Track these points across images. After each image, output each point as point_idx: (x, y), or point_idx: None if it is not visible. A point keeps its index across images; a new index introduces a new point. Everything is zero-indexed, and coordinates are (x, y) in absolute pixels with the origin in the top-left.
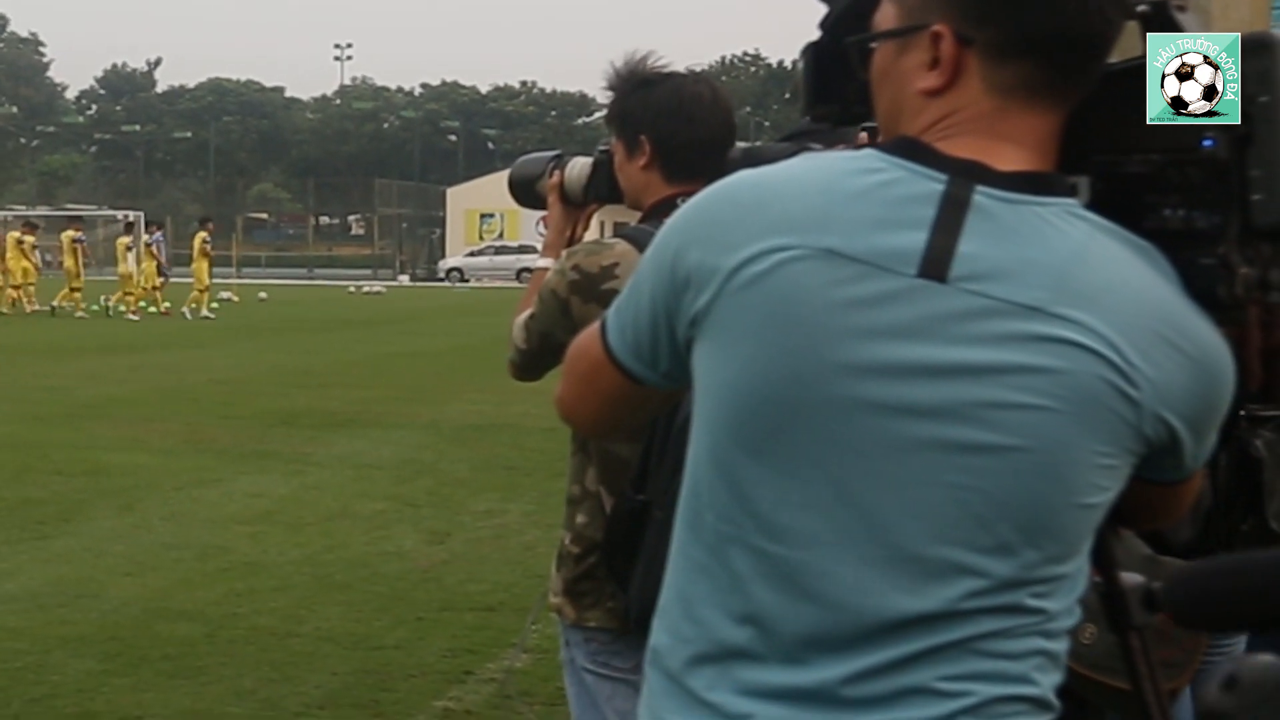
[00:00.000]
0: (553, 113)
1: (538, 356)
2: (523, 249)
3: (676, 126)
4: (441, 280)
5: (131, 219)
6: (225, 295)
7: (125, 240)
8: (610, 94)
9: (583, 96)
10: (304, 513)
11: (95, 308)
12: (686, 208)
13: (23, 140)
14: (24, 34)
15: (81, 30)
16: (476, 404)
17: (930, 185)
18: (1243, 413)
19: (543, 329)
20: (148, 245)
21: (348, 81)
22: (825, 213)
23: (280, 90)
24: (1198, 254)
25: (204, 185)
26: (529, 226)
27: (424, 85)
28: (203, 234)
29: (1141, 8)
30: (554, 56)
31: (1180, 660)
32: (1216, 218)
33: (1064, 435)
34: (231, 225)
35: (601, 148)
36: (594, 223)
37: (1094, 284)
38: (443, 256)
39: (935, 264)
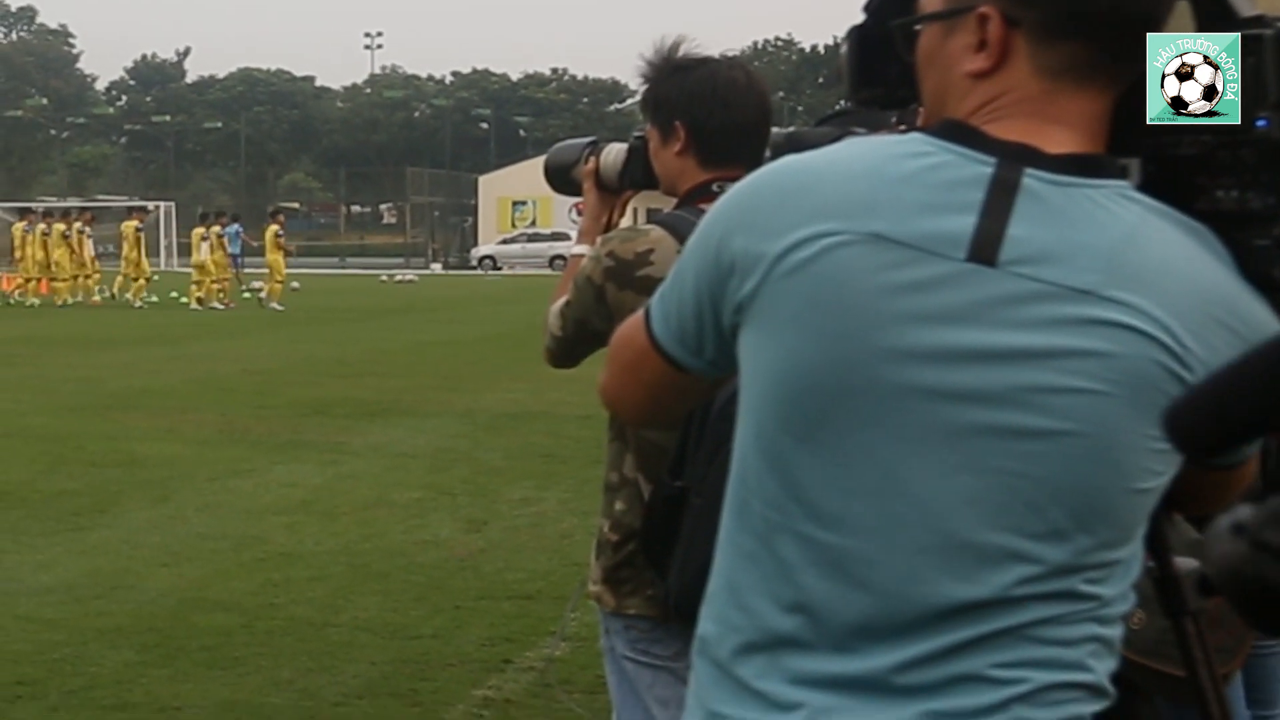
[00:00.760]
0: (584, 99)
1: (574, 343)
2: (555, 236)
3: (711, 111)
4: (474, 268)
5: (219, 213)
6: (257, 285)
7: (201, 231)
8: (644, 81)
9: (614, 83)
10: (339, 502)
11: (154, 299)
12: (731, 194)
13: (53, 132)
14: (53, 25)
15: (111, 21)
16: (511, 392)
17: (979, 168)
18: None
19: (578, 316)
20: (219, 236)
21: (378, 70)
22: (872, 197)
23: (310, 79)
24: (1252, 235)
25: (235, 176)
26: (562, 213)
27: (455, 73)
28: (274, 226)
29: None
30: (585, 43)
31: (1230, 645)
32: (1271, 199)
33: (1117, 419)
34: (263, 215)
35: (636, 134)
36: (628, 209)
37: (1146, 266)
38: (475, 244)
39: (984, 248)
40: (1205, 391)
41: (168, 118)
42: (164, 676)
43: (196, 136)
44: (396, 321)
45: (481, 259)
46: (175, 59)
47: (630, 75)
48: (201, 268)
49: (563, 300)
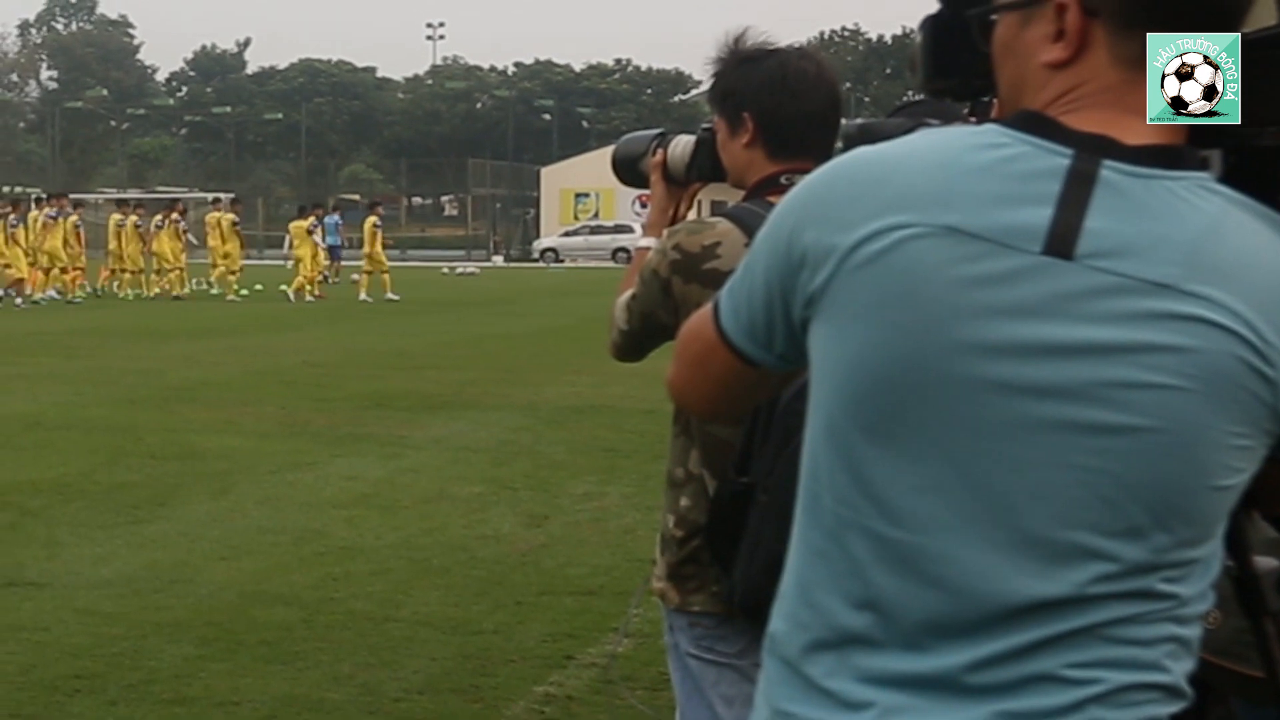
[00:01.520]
0: (648, 90)
1: (640, 337)
2: (619, 229)
3: (780, 102)
4: (536, 261)
5: (316, 205)
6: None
7: (303, 224)
8: (712, 72)
9: (678, 74)
10: (400, 496)
11: (246, 292)
12: (802, 186)
13: (113, 123)
14: (113, 16)
15: (171, 11)
16: (574, 385)
17: (1055, 160)
18: None
19: (644, 309)
20: (312, 229)
21: (440, 61)
22: (946, 189)
23: (372, 71)
24: None
25: (295, 167)
26: (625, 206)
27: (517, 64)
28: (373, 218)
29: None
30: (649, 34)
31: None
32: None
33: (1196, 415)
34: (323, 207)
35: (705, 126)
36: (696, 202)
37: (1228, 260)
38: (537, 237)
39: (1061, 241)
40: None
41: (228, 109)
42: (223, 671)
43: (257, 128)
44: (458, 314)
45: (544, 251)
46: (235, 50)
47: (695, 66)
48: (301, 261)
49: (628, 294)
